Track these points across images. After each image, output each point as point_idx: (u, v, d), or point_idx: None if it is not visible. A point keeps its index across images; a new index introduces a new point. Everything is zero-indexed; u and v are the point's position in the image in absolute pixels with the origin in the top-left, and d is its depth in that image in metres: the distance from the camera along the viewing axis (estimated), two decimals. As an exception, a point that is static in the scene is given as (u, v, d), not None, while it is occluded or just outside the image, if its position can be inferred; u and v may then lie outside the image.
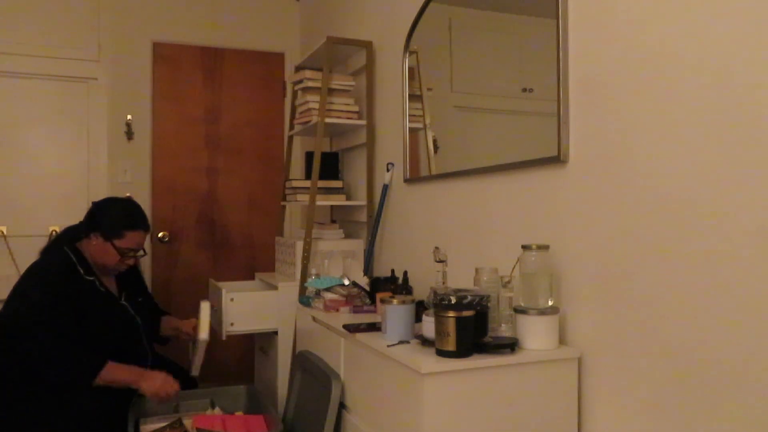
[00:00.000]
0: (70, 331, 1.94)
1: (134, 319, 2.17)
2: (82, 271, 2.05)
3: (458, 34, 2.00)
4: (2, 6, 3.20)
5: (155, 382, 2.00)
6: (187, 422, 1.97)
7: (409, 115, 2.29)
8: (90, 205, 2.20)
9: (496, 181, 1.80)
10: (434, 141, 2.16)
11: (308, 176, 2.77)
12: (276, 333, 2.52)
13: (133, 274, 2.32)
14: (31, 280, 2.00)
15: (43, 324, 1.90)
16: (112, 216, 2.11)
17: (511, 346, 1.42)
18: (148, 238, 2.27)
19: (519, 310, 1.47)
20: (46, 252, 2.14)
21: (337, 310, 2.02)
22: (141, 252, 2.17)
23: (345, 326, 1.74)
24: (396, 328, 1.57)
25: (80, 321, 1.98)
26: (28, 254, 3.16)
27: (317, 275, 2.34)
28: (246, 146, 3.71)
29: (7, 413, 1.91)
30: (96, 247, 2.08)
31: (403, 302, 1.57)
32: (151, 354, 2.23)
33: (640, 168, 1.31)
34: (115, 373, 1.95)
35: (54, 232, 3.24)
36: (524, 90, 1.68)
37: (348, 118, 2.66)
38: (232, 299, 2.44)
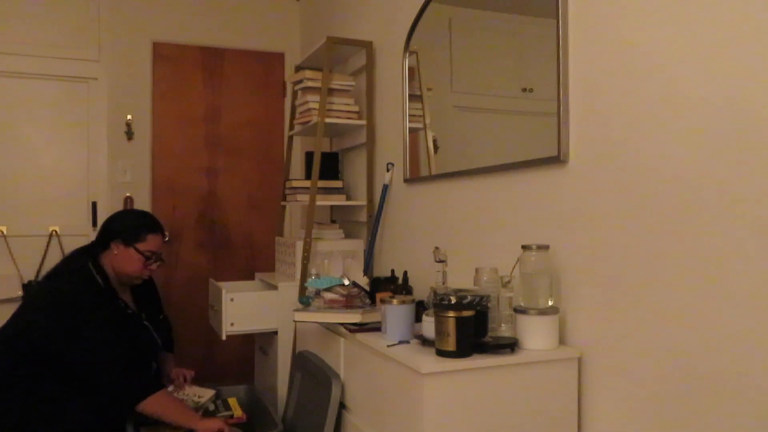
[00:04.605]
0: (121, 352, 1.88)
1: (155, 340, 2.16)
2: (108, 292, 2.00)
3: (458, 34, 2.00)
4: (2, 6, 3.20)
5: (214, 425, 1.85)
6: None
7: (409, 115, 2.29)
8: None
9: (496, 181, 1.80)
10: (434, 141, 2.15)
11: (308, 176, 2.76)
12: (276, 333, 2.52)
13: (149, 290, 2.26)
14: (70, 310, 1.88)
15: (104, 349, 1.85)
16: (129, 222, 2.08)
17: (511, 346, 1.42)
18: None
19: (519, 310, 1.47)
20: (69, 273, 2.01)
21: (337, 310, 2.02)
22: (161, 259, 2.12)
23: (345, 326, 1.74)
24: (396, 328, 1.57)
25: (117, 341, 1.91)
26: (28, 254, 3.21)
27: (317, 275, 2.34)
28: (246, 146, 3.71)
29: (6, 416, 1.89)
30: (118, 256, 2.03)
31: (403, 302, 1.58)
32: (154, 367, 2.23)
33: (640, 168, 1.31)
34: (165, 406, 1.85)
35: (54, 232, 3.25)
36: (524, 90, 1.67)
37: (348, 118, 2.66)
38: (232, 299, 2.44)
